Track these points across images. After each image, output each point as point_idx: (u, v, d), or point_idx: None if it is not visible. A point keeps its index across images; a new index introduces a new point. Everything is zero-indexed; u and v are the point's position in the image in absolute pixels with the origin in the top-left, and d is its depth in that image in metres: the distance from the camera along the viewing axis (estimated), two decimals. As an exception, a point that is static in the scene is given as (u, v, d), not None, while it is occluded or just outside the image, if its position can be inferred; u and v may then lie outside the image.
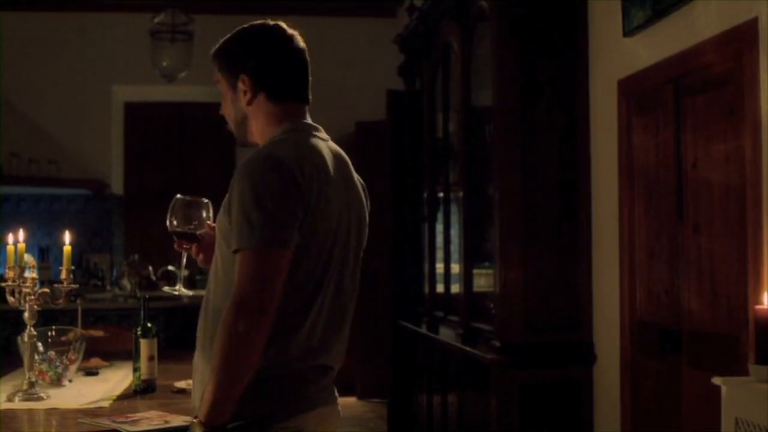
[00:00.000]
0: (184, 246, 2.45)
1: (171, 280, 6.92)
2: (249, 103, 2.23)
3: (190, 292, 2.69)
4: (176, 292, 2.64)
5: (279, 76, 2.25)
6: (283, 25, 2.29)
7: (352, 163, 2.29)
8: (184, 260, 2.54)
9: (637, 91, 3.75)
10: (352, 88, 7.66)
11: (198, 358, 2.21)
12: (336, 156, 2.22)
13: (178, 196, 2.50)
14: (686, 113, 3.36)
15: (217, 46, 2.29)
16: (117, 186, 7.91)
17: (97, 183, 7.69)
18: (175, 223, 2.46)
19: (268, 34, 2.26)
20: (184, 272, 2.69)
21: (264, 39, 2.25)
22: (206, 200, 2.47)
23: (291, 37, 2.28)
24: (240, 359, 1.99)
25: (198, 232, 2.44)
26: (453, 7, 5.05)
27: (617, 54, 3.92)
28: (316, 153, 2.15)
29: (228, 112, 2.28)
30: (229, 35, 2.29)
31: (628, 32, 3.73)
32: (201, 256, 2.43)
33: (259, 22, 2.29)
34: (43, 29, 7.68)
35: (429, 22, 5.70)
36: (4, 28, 7.41)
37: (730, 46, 3.06)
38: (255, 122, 2.25)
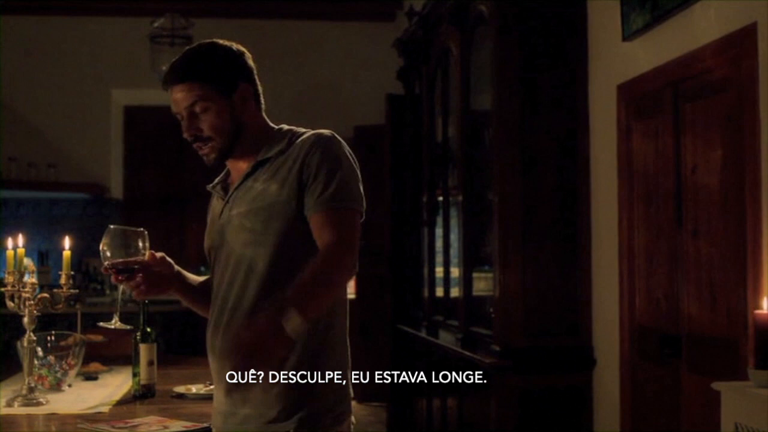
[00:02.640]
0: (120, 278, 2.29)
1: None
2: (251, 111, 2.29)
3: (128, 327, 2.59)
4: (112, 326, 2.50)
5: (257, 84, 2.35)
6: None
7: None
8: (120, 293, 2.41)
9: (636, 96, 3.75)
10: (351, 92, 7.67)
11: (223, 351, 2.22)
12: None
13: (112, 226, 2.32)
14: (685, 118, 3.36)
15: (193, 65, 2.26)
16: (116, 190, 7.90)
17: (96, 187, 7.68)
18: (109, 254, 2.27)
19: (230, 48, 2.32)
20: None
21: (234, 51, 2.32)
22: (142, 229, 2.33)
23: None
24: (332, 290, 2.13)
25: (137, 262, 2.28)
26: (452, 12, 5.06)
27: (616, 58, 3.93)
28: None
29: (219, 127, 2.25)
30: (198, 52, 2.29)
31: (627, 36, 3.73)
32: (142, 287, 2.30)
33: (208, 41, 2.33)
34: (43, 33, 7.69)
35: (428, 27, 5.71)
36: (2, 32, 7.42)
37: (729, 51, 3.06)
38: (250, 130, 2.29)
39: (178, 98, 2.25)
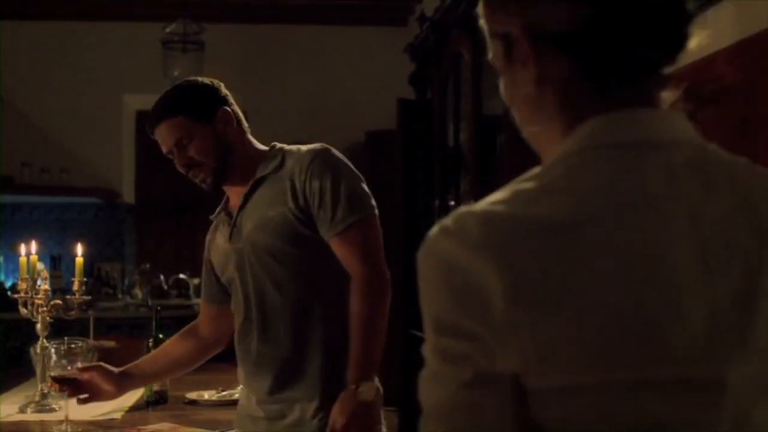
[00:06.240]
0: (61, 388, 2.59)
1: (182, 289, 6.93)
2: (235, 133, 2.41)
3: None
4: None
5: (236, 109, 2.48)
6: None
7: (364, 172, 2.39)
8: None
9: (649, 101, 3.74)
10: (362, 97, 7.66)
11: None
12: None
13: (55, 345, 2.64)
14: (700, 123, 3.34)
15: (169, 103, 2.41)
16: (128, 194, 7.92)
17: (108, 192, 7.71)
18: (51, 364, 2.61)
19: (202, 80, 2.46)
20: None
21: (206, 82, 2.45)
22: (82, 344, 2.65)
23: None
24: (384, 322, 2.24)
25: (72, 375, 2.57)
26: (464, 17, 5.05)
27: (629, 64, 3.91)
28: None
29: (207, 150, 2.38)
30: (172, 92, 2.44)
31: (640, 42, 3.72)
32: (80, 399, 2.61)
33: (180, 81, 2.51)
34: (55, 39, 7.71)
35: (440, 32, 5.70)
36: (15, 37, 7.44)
37: (745, 55, 3.04)
38: (240, 153, 2.40)
39: (164, 137, 2.39)
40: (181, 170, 2.41)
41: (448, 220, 0.97)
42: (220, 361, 4.03)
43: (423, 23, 6.00)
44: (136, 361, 2.73)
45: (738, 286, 0.94)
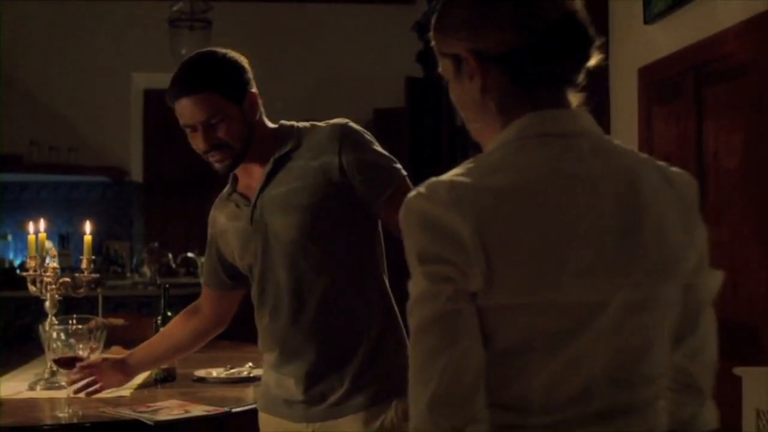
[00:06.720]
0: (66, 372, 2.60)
1: (190, 267, 6.95)
2: (258, 115, 2.32)
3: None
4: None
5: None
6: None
7: None
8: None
9: (657, 80, 3.73)
10: (370, 75, 7.64)
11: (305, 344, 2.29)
12: None
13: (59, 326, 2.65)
14: (707, 102, 3.33)
15: (205, 76, 2.26)
16: (137, 173, 7.93)
17: (116, 170, 7.71)
18: (54, 347, 2.59)
19: (233, 56, 2.33)
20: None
21: (238, 59, 2.32)
22: (86, 327, 2.64)
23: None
24: None
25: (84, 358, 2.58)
26: (472, -5, 5.03)
27: (638, 42, 3.90)
28: None
29: (236, 133, 2.27)
30: (205, 62, 2.29)
31: (649, 20, 3.70)
32: (87, 390, 2.65)
33: (206, 50, 2.33)
34: (62, 17, 7.70)
35: (448, 9, 5.68)
36: (23, 16, 7.44)
37: (752, 35, 3.03)
38: (259, 133, 2.31)
39: (192, 111, 2.22)
40: (199, 148, 2.26)
41: (421, 188, 1.31)
42: (228, 339, 4.05)
43: (431, 1, 5.98)
44: (137, 348, 2.73)
45: (622, 237, 1.30)
